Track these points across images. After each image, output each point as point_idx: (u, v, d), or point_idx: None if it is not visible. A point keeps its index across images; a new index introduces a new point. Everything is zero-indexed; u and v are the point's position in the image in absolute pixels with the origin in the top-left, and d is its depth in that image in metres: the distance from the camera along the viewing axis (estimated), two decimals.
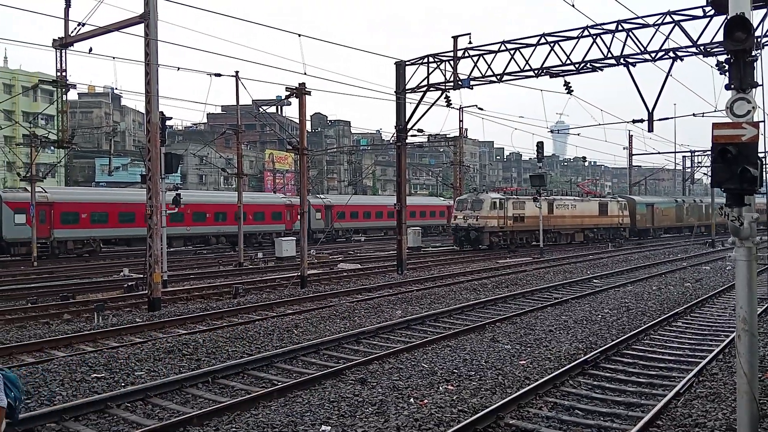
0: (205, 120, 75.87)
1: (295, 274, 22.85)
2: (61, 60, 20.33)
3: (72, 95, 77.22)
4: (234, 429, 7.72)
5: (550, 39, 21.45)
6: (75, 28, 18.35)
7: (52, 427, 7.88)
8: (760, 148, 6.10)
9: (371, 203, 57.10)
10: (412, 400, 8.85)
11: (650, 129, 21.51)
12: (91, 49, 18.42)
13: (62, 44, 18.91)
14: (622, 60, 20.73)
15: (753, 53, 6.12)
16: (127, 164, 62.93)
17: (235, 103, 30.00)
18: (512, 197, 39.87)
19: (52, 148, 35.46)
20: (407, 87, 25.25)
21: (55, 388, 9.41)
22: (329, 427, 7.77)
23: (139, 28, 16.66)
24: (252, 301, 18.58)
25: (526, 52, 21.99)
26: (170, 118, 21.68)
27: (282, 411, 8.42)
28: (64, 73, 20.81)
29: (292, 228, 47.62)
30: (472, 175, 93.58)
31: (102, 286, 22.48)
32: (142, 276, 21.92)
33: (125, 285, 21.06)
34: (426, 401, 8.74)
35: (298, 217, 47.49)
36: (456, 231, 39.31)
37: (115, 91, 71.80)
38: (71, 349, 12.63)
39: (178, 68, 19.86)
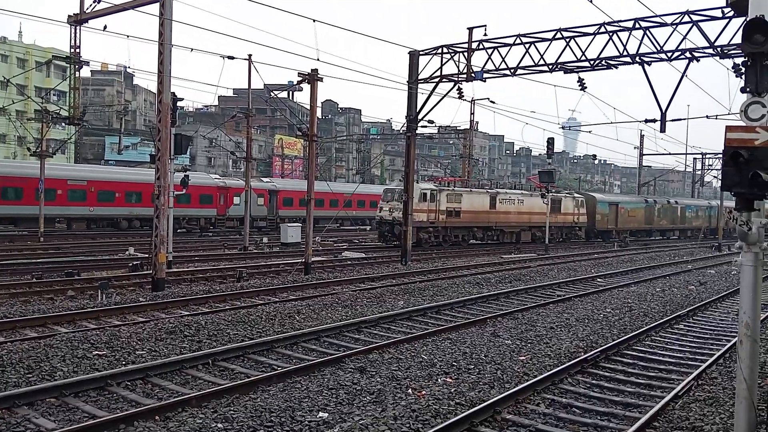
0: (216, 102, 75.85)
1: (300, 260, 22.89)
2: (75, 36, 20.35)
3: (85, 72, 77.03)
4: (232, 412, 7.75)
5: (566, 34, 21.27)
6: (90, 5, 18.36)
7: (52, 402, 7.94)
8: None
9: (324, 190, 48.98)
10: (410, 390, 8.86)
11: (662, 129, 21.37)
12: (105, 27, 18.41)
13: (77, 20, 18.91)
14: (637, 58, 20.55)
15: None
16: (137, 144, 63.07)
17: (246, 87, 29.98)
18: (446, 189, 35.02)
19: (63, 124, 35.52)
20: (420, 77, 25.14)
21: (56, 363, 9.47)
22: (327, 414, 7.80)
23: (154, 7, 16.64)
24: (255, 285, 18.63)
25: (541, 46, 21.84)
26: (182, 99, 21.67)
27: (280, 396, 8.45)
28: (77, 50, 20.83)
29: (225, 213, 43.79)
30: (480, 169, 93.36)
31: (107, 264, 22.58)
32: (147, 256, 22.02)
33: (130, 264, 21.14)
34: (424, 392, 8.75)
35: (233, 201, 44.71)
36: (380, 225, 35.13)
37: (128, 70, 71.83)
38: (74, 325, 12.69)
39: (192, 49, 19.88)
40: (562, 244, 41.23)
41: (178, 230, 40.49)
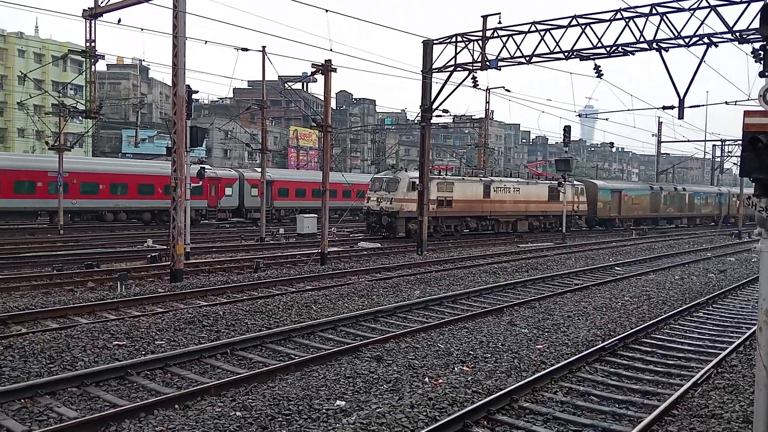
0: (231, 94, 76.25)
1: (316, 251, 22.98)
2: (90, 30, 20.53)
3: (100, 66, 77.89)
4: (250, 400, 7.83)
5: (581, 21, 21.07)
6: None
7: (74, 392, 8.07)
8: None
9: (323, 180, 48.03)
10: (426, 379, 8.89)
11: (680, 116, 21.17)
12: (120, 20, 18.58)
13: (92, 14, 19.05)
14: (654, 44, 20.32)
15: None
16: (153, 136, 63.42)
17: (261, 79, 30.05)
18: (437, 177, 32.87)
19: (81, 118, 35.60)
20: (434, 66, 25.04)
21: (77, 353, 9.61)
22: (344, 402, 7.85)
23: (168, 0, 16.68)
24: (272, 275, 18.74)
25: (557, 33, 21.66)
26: (197, 92, 21.75)
27: (298, 384, 8.52)
28: (93, 44, 21.03)
29: (217, 204, 42.68)
30: (496, 158, 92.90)
31: (126, 255, 22.82)
32: (165, 247, 22.22)
33: (149, 256, 21.34)
34: (441, 381, 8.78)
35: (224, 192, 43.17)
36: (368, 215, 33.55)
37: (143, 63, 72.40)
38: (94, 316, 12.86)
39: (206, 41, 19.96)
40: (581, 233, 40.82)
41: (165, 221, 37.94)
